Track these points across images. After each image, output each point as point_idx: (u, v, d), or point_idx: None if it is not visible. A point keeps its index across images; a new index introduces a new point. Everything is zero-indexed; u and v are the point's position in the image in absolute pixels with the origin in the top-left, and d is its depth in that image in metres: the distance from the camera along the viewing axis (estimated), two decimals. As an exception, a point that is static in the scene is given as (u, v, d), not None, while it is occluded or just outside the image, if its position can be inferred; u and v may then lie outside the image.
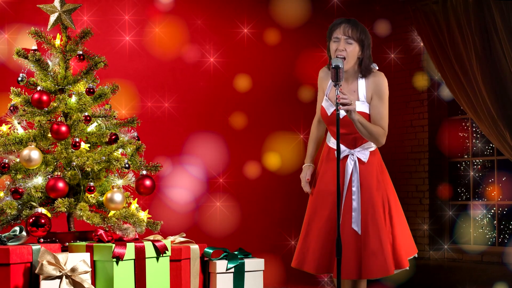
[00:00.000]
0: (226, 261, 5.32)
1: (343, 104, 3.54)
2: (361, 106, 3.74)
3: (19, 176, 4.89)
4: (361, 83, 3.75)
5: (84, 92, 5.03)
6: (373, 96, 3.73)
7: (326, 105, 3.80)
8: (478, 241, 6.42)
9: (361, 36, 3.76)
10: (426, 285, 6.30)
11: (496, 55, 5.66)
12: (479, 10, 5.75)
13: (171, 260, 5.05)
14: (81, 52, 5.03)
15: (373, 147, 3.81)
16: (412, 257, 3.85)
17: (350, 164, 3.73)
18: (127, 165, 4.93)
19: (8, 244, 4.48)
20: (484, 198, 6.43)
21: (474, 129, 6.53)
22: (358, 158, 3.76)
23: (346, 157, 3.78)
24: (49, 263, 4.29)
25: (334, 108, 3.75)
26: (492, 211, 6.34)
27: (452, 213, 6.63)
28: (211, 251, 5.37)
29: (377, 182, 3.75)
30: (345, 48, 3.70)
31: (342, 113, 3.72)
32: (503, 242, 6.21)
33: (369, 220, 3.68)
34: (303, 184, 3.91)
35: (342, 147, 3.79)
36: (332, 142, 3.86)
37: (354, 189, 3.70)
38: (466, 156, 6.61)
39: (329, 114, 3.77)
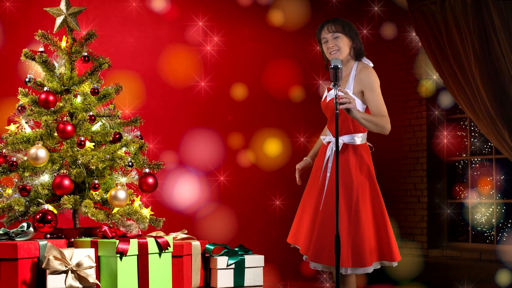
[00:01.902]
0: (227, 258, 5.45)
1: (342, 103, 3.65)
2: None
3: (26, 174, 5.00)
4: (352, 75, 3.94)
5: (89, 92, 5.14)
6: (364, 92, 3.91)
7: (324, 93, 4.06)
8: (477, 239, 6.43)
9: (345, 28, 3.97)
10: (424, 283, 6.30)
11: (494, 55, 5.68)
12: (477, 10, 5.77)
13: (173, 256, 5.18)
14: (86, 54, 5.14)
15: (357, 141, 3.94)
16: (388, 263, 3.88)
17: (328, 151, 3.94)
18: (130, 164, 5.04)
19: (16, 239, 4.63)
20: (482, 196, 6.44)
21: (472, 128, 6.55)
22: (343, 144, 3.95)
23: (328, 143, 3.99)
24: (55, 258, 4.42)
25: (326, 95, 3.98)
26: (491, 209, 6.34)
27: (451, 212, 6.64)
28: (212, 247, 5.50)
29: (347, 175, 3.87)
30: (335, 44, 3.93)
31: (323, 95, 4.05)
32: (502, 240, 6.21)
33: (326, 206, 3.84)
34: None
35: (328, 133, 4.04)
36: (324, 133, 4.12)
37: (328, 174, 3.89)
38: (464, 155, 6.60)
39: (322, 99, 4.04)
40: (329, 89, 4.02)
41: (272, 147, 6.70)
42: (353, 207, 3.82)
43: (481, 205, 6.42)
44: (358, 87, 3.90)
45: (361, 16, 6.84)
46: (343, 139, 3.91)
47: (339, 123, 3.85)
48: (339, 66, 3.55)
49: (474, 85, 5.79)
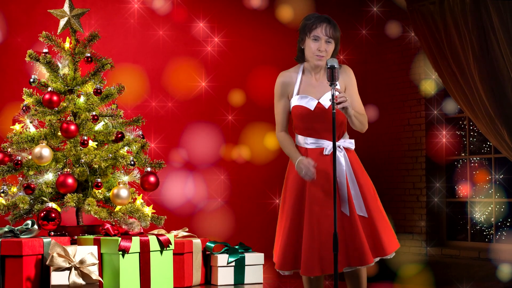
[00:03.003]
0: (227, 255, 5.55)
1: (340, 103, 3.58)
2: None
3: (31, 173, 5.10)
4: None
5: (92, 92, 5.25)
6: (347, 87, 3.83)
7: (306, 101, 3.80)
8: (475, 238, 6.45)
9: (338, 35, 3.78)
10: (423, 281, 6.26)
11: (493, 54, 5.69)
12: (476, 10, 5.79)
13: (174, 254, 5.28)
14: (89, 55, 5.25)
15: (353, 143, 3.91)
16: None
17: (340, 156, 3.77)
18: (132, 162, 5.15)
19: (20, 236, 4.72)
20: (481, 195, 6.44)
21: (471, 127, 6.55)
22: (345, 148, 3.80)
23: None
24: (59, 255, 4.51)
25: (317, 101, 3.77)
26: (490, 208, 6.34)
27: (449, 210, 6.65)
28: (212, 245, 5.60)
29: (363, 174, 3.83)
30: (325, 49, 3.73)
31: (313, 104, 3.76)
32: (500, 239, 6.23)
33: (370, 203, 3.74)
34: (309, 172, 3.67)
35: (326, 142, 3.78)
36: (310, 143, 3.83)
37: (349, 178, 3.76)
38: (463, 154, 6.60)
39: (312, 109, 3.79)
40: (312, 95, 3.84)
41: (273, 146, 6.73)
42: (376, 199, 3.84)
43: (480, 204, 6.44)
44: (342, 84, 3.83)
45: (360, 16, 6.88)
46: (349, 142, 3.85)
47: (340, 127, 3.81)
48: (335, 66, 3.49)
49: (473, 84, 5.82)
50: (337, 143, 3.75)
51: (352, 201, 3.71)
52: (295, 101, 3.81)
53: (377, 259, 3.76)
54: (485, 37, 5.71)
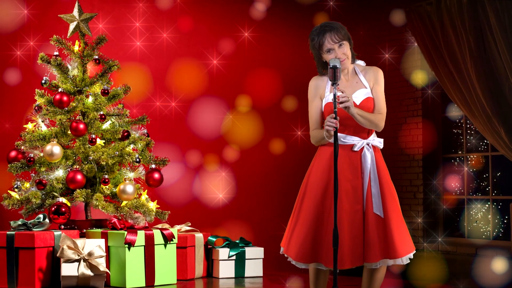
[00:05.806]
0: (228, 249, 5.75)
1: (342, 102, 3.74)
2: (368, 93, 3.90)
3: (42, 169, 5.36)
4: (362, 75, 3.92)
5: (99, 93, 5.48)
6: (373, 85, 3.92)
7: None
8: (473, 235, 6.53)
9: (344, 32, 3.88)
10: (420, 277, 6.29)
11: (490, 54, 5.73)
12: (473, 10, 5.84)
13: (177, 247, 5.48)
14: (97, 57, 5.50)
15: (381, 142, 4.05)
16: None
17: (368, 153, 3.88)
18: (138, 160, 5.40)
19: (33, 230, 5.02)
20: (478, 193, 6.51)
21: (468, 126, 6.50)
22: (373, 146, 3.94)
23: (362, 148, 3.89)
24: (69, 247, 4.77)
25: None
26: (487, 205, 6.42)
27: (446, 208, 6.71)
28: (214, 239, 5.79)
29: (388, 178, 4.01)
30: (343, 53, 3.84)
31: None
32: (497, 236, 6.33)
33: (389, 204, 3.89)
34: (328, 122, 3.76)
35: (357, 139, 3.90)
36: (341, 139, 3.88)
37: (372, 176, 3.89)
38: (460, 152, 6.57)
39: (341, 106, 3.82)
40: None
41: (273, 145, 6.89)
42: (395, 201, 4.01)
43: (477, 201, 6.52)
44: (371, 82, 4.00)
45: (358, 16, 7.00)
46: (378, 141, 4.01)
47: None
48: (337, 66, 3.59)
49: (470, 83, 5.90)
50: (366, 141, 3.90)
51: (371, 199, 3.84)
52: (329, 98, 3.92)
53: (391, 262, 3.84)
54: (482, 37, 5.79)
